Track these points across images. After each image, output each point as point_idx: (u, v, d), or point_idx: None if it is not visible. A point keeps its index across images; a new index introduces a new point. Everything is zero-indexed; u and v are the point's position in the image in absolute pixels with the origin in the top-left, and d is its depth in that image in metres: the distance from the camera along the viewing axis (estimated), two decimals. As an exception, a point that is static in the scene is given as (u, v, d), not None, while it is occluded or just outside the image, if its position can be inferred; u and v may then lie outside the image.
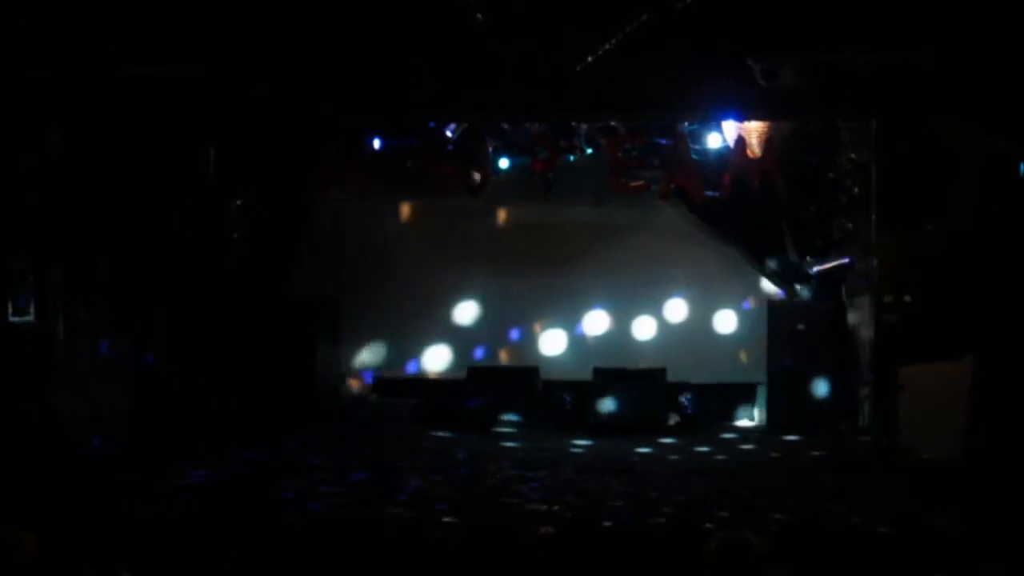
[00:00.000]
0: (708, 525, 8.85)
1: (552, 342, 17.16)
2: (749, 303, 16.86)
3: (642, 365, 16.08)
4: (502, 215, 17.30)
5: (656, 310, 17.01)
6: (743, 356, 16.58)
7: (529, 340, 17.21)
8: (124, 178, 13.57)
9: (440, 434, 15.03)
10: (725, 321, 16.89)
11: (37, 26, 12.46)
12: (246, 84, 13.30)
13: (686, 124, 15.25)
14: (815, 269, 15.84)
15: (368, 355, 17.24)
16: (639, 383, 15.71)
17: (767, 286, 16.68)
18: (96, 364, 12.92)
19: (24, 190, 12.82)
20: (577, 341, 17.09)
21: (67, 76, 12.68)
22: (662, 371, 15.82)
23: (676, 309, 17.01)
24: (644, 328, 17.03)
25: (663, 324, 17.02)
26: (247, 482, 11.48)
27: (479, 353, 17.23)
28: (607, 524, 8.92)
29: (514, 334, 17.26)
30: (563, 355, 17.09)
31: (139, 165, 13.69)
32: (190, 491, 10.78)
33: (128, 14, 12.56)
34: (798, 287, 16.09)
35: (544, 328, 17.17)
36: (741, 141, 14.90)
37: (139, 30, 12.59)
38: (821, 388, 15.19)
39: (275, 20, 12.73)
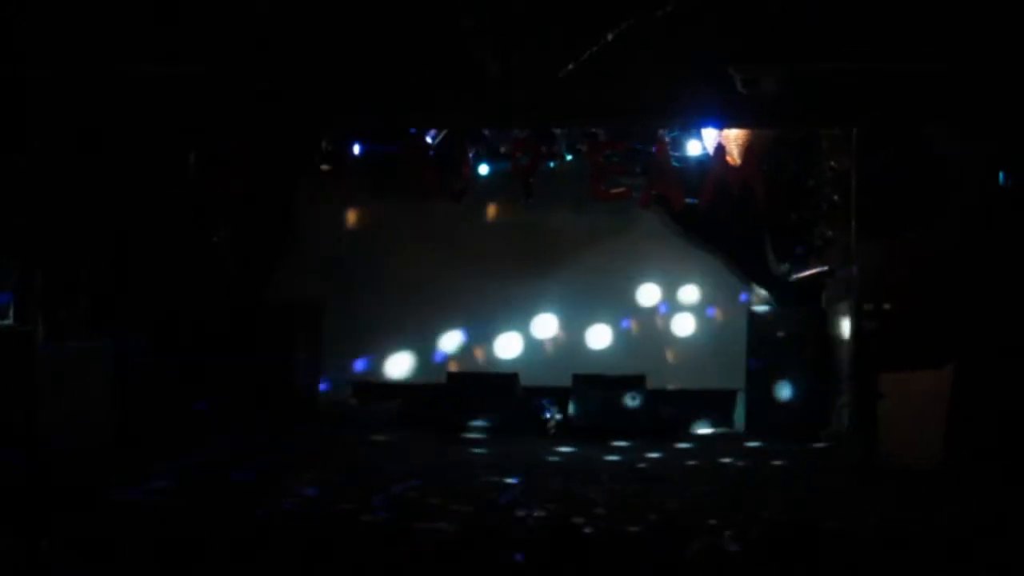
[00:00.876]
0: (687, 530, 8.85)
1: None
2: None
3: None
4: (484, 218, 17.42)
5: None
6: None
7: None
8: (106, 181, 13.55)
9: (418, 437, 15.05)
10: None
11: (27, 27, 12.45)
12: (230, 88, 13.26)
13: (667, 131, 15.27)
14: (795, 276, 15.89)
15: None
16: (618, 390, 15.74)
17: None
18: (77, 367, 12.89)
19: (4, 192, 12.78)
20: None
21: (52, 76, 12.65)
22: (640, 378, 15.85)
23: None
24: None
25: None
26: (220, 485, 11.41)
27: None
28: (587, 530, 8.91)
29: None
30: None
31: (121, 169, 13.67)
32: (161, 495, 10.75)
33: (108, 16, 12.53)
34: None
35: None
36: (721, 148, 14.92)
37: (121, 31, 12.57)
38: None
39: (259, 25, 12.72)
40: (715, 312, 17.08)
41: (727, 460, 13.74)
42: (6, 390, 12.17)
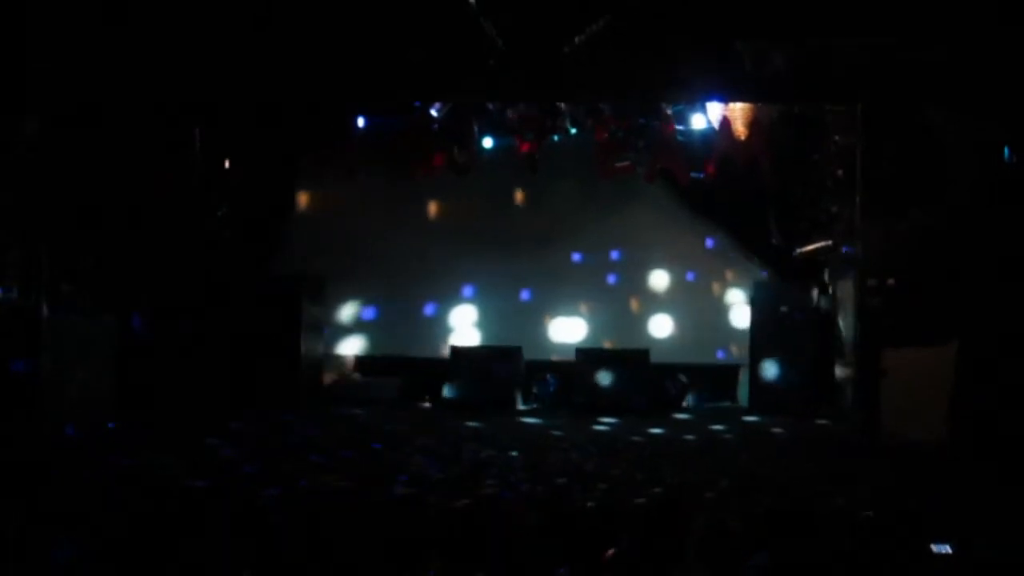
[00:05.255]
0: (691, 507, 8.85)
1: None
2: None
3: None
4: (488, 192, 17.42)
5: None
6: None
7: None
8: (110, 157, 13.56)
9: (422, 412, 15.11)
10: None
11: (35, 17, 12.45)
12: (234, 65, 13.22)
13: (671, 106, 15.26)
14: (798, 251, 15.89)
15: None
16: (623, 364, 15.77)
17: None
18: (82, 341, 12.91)
19: (8, 168, 12.79)
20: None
21: (61, 59, 12.64)
22: (644, 352, 15.88)
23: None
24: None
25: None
26: (227, 461, 11.41)
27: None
28: (590, 504, 8.92)
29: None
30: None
31: (126, 144, 13.68)
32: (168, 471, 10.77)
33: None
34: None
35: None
36: (726, 123, 14.91)
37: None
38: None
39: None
40: (719, 287, 17.07)
41: (728, 435, 13.78)
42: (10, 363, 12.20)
